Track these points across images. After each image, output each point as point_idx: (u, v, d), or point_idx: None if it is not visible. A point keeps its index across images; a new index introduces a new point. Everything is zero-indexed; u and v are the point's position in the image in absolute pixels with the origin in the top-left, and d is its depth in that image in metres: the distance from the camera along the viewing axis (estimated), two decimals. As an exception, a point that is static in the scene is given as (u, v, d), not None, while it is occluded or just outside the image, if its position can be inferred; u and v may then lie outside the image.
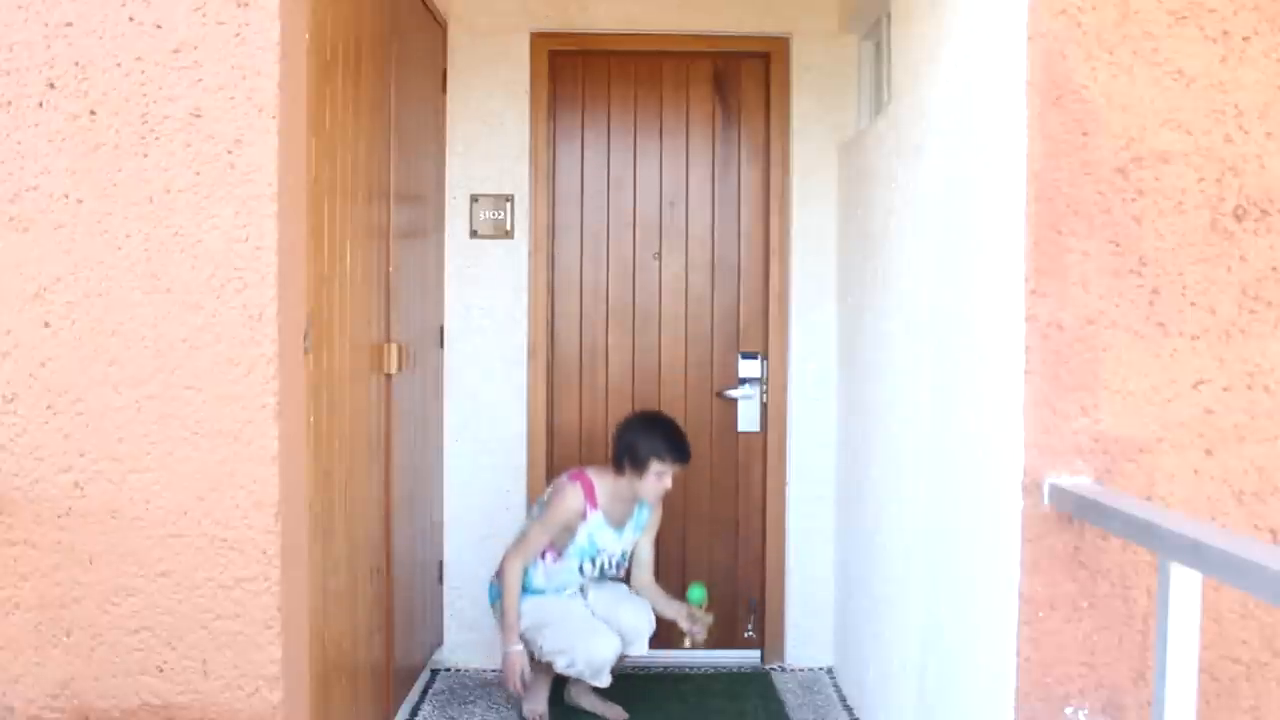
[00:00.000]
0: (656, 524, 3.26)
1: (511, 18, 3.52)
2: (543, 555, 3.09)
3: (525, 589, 3.09)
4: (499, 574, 3.13)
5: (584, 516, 3.05)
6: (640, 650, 3.12)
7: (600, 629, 3.05)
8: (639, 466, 3.01)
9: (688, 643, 3.17)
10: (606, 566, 3.15)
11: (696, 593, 3.18)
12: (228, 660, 1.88)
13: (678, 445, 3.04)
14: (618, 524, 3.12)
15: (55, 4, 1.85)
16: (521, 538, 3.10)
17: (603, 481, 3.09)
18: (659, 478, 3.01)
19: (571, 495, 3.05)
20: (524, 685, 3.02)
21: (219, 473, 1.86)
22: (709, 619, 3.16)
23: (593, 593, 3.19)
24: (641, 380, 3.64)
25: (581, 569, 3.12)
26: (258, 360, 1.85)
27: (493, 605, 3.22)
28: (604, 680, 3.04)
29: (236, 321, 1.85)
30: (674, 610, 3.18)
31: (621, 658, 3.09)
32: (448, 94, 3.51)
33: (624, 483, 3.07)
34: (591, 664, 3.00)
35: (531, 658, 3.07)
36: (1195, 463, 1.77)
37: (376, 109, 2.64)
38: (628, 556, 3.21)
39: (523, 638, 3.04)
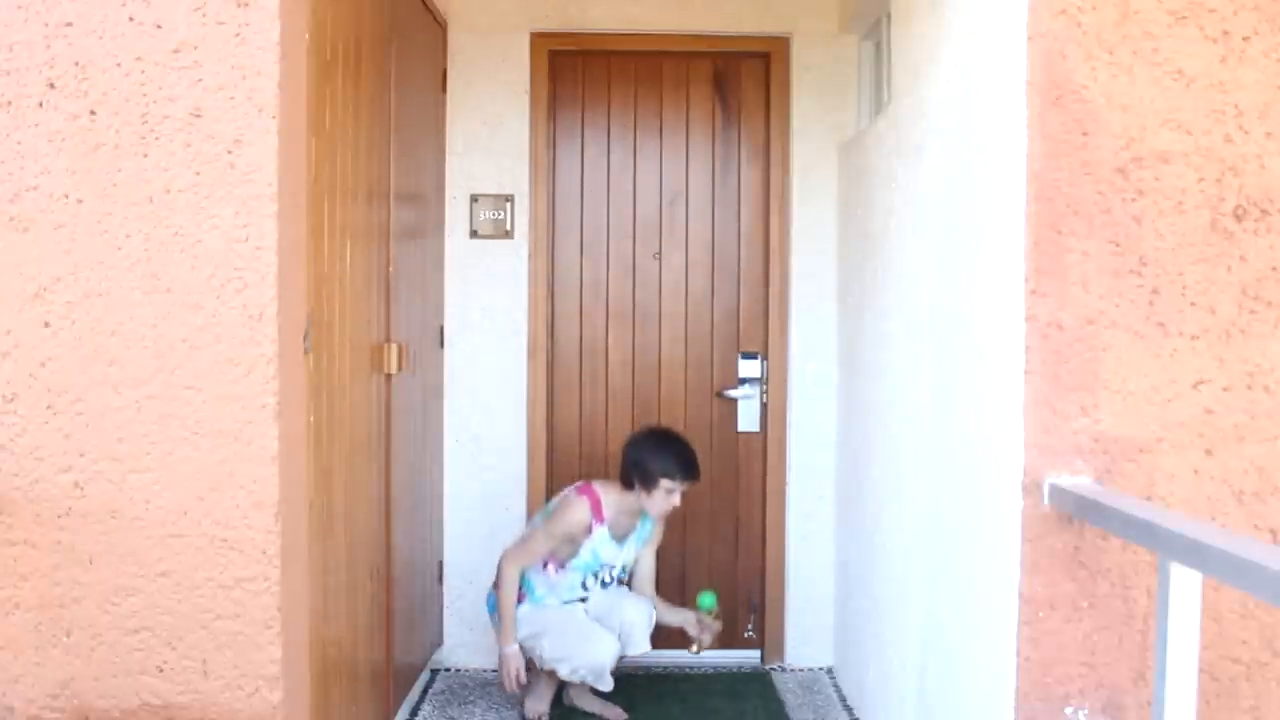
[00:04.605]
0: (659, 538, 3.26)
1: (511, 17, 3.53)
2: (545, 566, 3.09)
3: (528, 596, 3.09)
4: (497, 584, 3.13)
5: (589, 531, 3.05)
6: (642, 648, 3.12)
7: (598, 632, 3.05)
8: (649, 484, 3.01)
9: (694, 648, 3.16)
10: (608, 580, 3.16)
11: (707, 599, 3.16)
12: (228, 660, 1.88)
13: (689, 464, 3.03)
14: (620, 537, 3.12)
15: (55, 4, 1.85)
16: (522, 542, 3.10)
17: (609, 496, 3.08)
18: (669, 495, 3.01)
19: (579, 509, 3.04)
20: (520, 685, 3.02)
21: (219, 473, 1.86)
22: (717, 626, 3.15)
23: (594, 596, 3.19)
24: (641, 380, 3.64)
25: (584, 584, 3.12)
26: (258, 360, 1.85)
27: (492, 615, 3.21)
28: (606, 684, 3.03)
29: (236, 321, 1.85)
30: (680, 617, 3.18)
31: (622, 657, 3.09)
32: (447, 94, 3.51)
33: (631, 498, 3.06)
34: (593, 668, 3.00)
35: (532, 666, 3.07)
36: (1195, 463, 1.77)
37: (376, 109, 2.64)
38: (628, 569, 3.21)
39: (523, 646, 3.04)
